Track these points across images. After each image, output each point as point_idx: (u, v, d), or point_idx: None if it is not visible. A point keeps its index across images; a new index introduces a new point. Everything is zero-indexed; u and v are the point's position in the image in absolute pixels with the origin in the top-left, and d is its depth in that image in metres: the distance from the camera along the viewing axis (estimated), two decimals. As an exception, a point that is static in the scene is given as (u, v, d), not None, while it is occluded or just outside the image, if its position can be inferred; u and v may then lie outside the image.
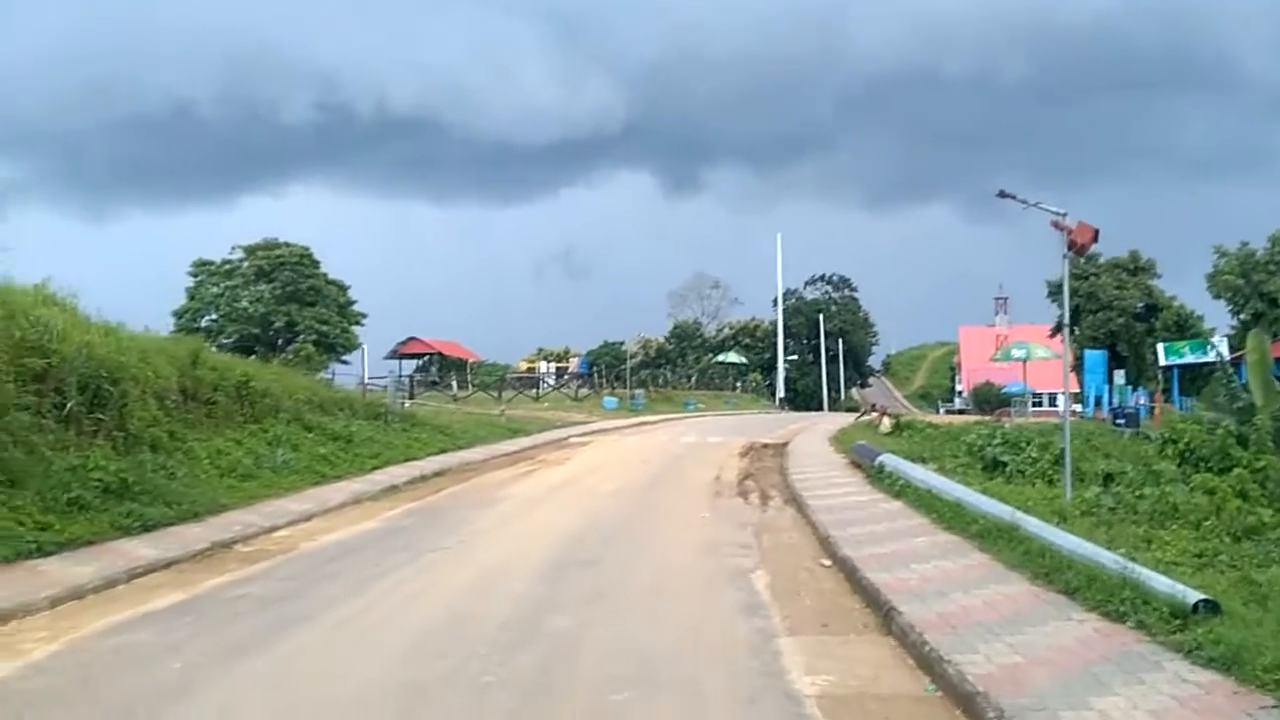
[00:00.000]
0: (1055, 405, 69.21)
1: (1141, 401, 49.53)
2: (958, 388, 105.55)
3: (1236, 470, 11.35)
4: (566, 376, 59.68)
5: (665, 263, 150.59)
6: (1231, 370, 20.96)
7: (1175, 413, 47.58)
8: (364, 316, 74.74)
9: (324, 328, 65.57)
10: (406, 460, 20.39)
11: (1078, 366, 65.84)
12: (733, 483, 17.73)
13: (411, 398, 40.93)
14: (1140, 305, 71.07)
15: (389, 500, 15.39)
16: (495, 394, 46.23)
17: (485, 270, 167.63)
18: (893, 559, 9.26)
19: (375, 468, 18.86)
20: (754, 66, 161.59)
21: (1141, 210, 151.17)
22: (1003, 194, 10.86)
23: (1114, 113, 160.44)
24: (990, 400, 62.76)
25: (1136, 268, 72.24)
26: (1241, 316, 57.15)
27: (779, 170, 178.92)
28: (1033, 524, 9.50)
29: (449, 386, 49.84)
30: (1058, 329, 71.82)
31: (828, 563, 9.85)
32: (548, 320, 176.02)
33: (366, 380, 32.02)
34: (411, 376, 47.14)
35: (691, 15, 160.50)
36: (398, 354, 61.91)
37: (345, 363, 66.90)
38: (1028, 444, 16.11)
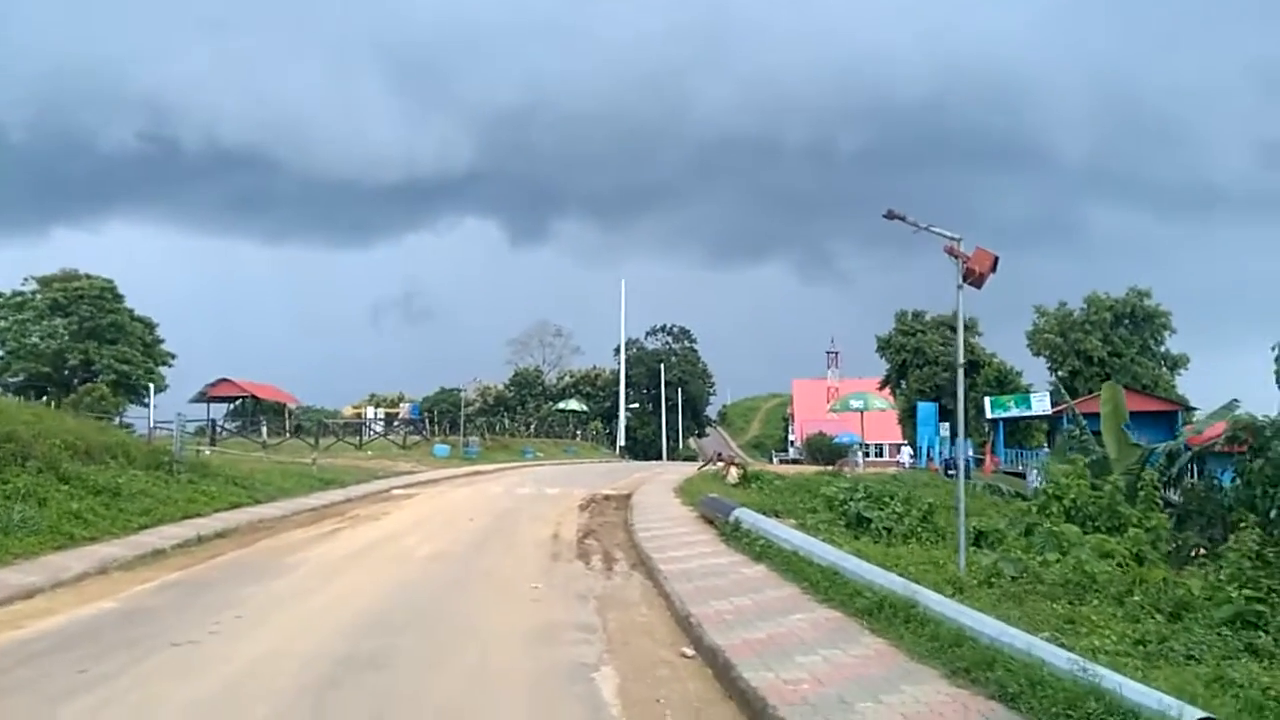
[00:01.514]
0: (883, 456, 70.85)
1: (969, 453, 50.87)
2: (791, 438, 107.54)
3: (1131, 530, 10.21)
4: (396, 423, 55.99)
5: (509, 311, 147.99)
6: (1084, 423, 20.68)
7: (1001, 464, 49.11)
8: (172, 357, 68.62)
9: (125, 367, 59.74)
10: (186, 518, 17.19)
11: (914, 417, 67.88)
12: (572, 542, 15.60)
13: (213, 444, 36.78)
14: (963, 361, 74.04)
15: (147, 569, 12.41)
16: (312, 441, 42.34)
17: (320, 315, 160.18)
18: (770, 647, 7.37)
19: (144, 527, 15.67)
20: (602, 123, 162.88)
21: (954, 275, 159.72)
22: (890, 215, 9.43)
23: (941, 184, 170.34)
24: (823, 450, 63.19)
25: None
26: (1059, 373, 59.91)
27: (624, 224, 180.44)
28: (931, 598, 7.86)
29: (259, 433, 45.47)
30: (885, 382, 73.88)
31: (690, 652, 7.85)
32: (384, 367, 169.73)
33: (153, 424, 28.03)
34: (213, 421, 42.62)
35: (541, 67, 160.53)
36: (206, 396, 56.51)
37: (146, 405, 61.22)
38: (891, 499, 14.82)
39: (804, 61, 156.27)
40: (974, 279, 9.28)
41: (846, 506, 14.79)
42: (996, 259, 9.13)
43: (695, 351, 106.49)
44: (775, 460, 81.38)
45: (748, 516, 14.43)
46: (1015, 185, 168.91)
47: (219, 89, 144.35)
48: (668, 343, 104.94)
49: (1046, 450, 53.20)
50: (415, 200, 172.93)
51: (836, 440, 67.18)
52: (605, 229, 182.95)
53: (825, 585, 9.62)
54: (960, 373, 9.78)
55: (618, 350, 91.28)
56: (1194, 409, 46.94)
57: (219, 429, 43.03)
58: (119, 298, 63.79)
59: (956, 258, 9.22)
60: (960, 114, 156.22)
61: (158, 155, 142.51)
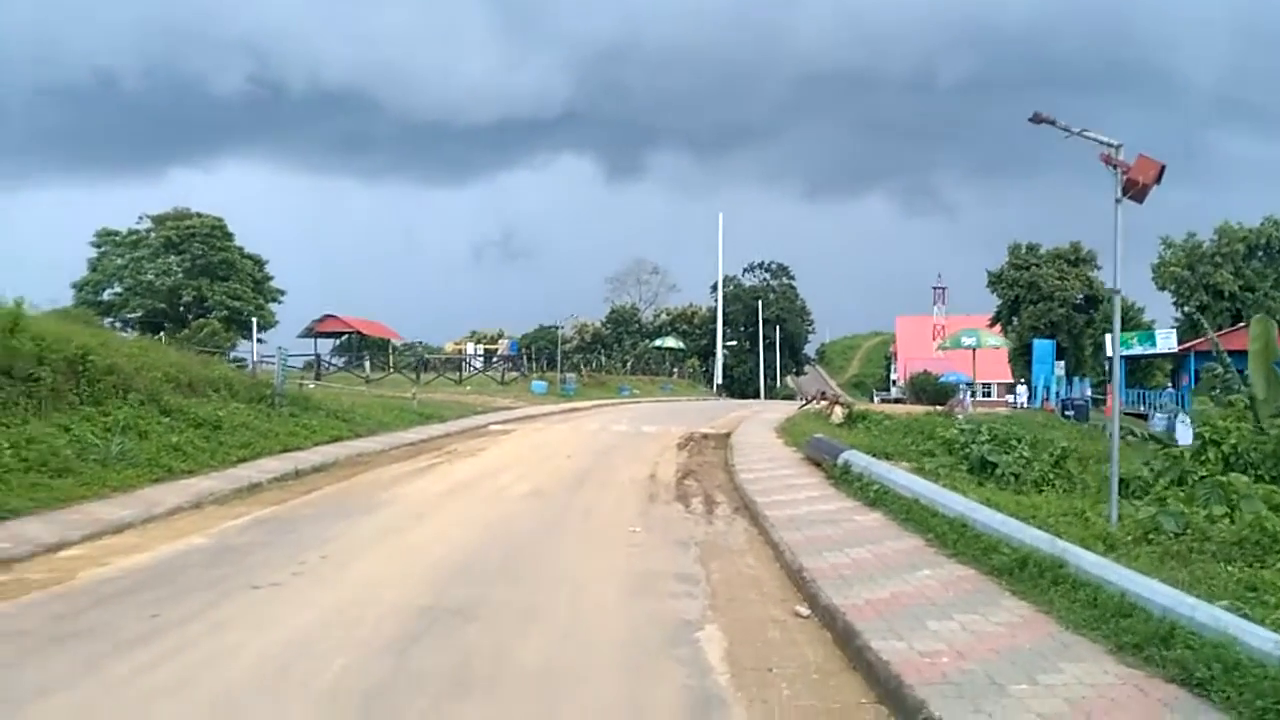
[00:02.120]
0: (991, 396, 68.16)
1: (1087, 393, 48.25)
2: (893, 376, 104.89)
3: (1307, 480, 8.94)
4: (495, 359, 56.33)
5: (605, 248, 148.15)
6: (1228, 360, 18.90)
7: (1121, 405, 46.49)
8: (282, 293, 70.36)
9: (236, 303, 61.38)
10: (285, 451, 17.20)
11: (1026, 356, 65.00)
12: (670, 482, 14.94)
13: (318, 379, 37.41)
14: (1080, 296, 70.40)
15: (241, 503, 12.25)
16: (413, 376, 42.78)
17: (420, 252, 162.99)
18: (897, 609, 6.53)
19: (242, 460, 15.69)
20: (698, 57, 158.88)
21: (1073, 204, 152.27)
22: (1037, 118, 8.22)
23: (1051, 111, 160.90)
24: (928, 389, 61.12)
25: (1078, 258, 71.45)
26: (1185, 309, 56.29)
27: (720, 158, 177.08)
28: (1084, 558, 6.86)
29: (363, 368, 46.20)
30: (996, 319, 70.85)
31: (805, 612, 7.05)
32: (483, 304, 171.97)
33: (256, 358, 28.44)
34: (318, 355, 43.37)
35: (636, 5, 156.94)
36: (313, 332, 57.76)
37: (261, 340, 63.05)
38: (1018, 441, 13.63)
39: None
40: (1135, 191, 8.02)
41: (969, 450, 13.69)
42: (1163, 168, 7.84)
43: (794, 288, 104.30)
44: (877, 400, 79.40)
45: (858, 459, 13.49)
46: (1131, 111, 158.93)
47: (322, 31, 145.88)
48: (765, 279, 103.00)
49: (1171, 390, 50.23)
50: (512, 138, 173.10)
51: (943, 379, 64.95)
52: (701, 164, 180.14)
53: (953, 538, 8.67)
54: (1117, 300, 8.58)
55: (714, 287, 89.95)
56: None
57: (324, 364, 43.81)
58: (229, 235, 65.46)
59: (1115, 167, 7.97)
60: (1068, 37, 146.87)
61: (265, 98, 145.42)
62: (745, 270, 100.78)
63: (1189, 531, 7.86)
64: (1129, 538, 7.98)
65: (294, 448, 17.70)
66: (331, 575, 8.21)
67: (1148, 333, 49.37)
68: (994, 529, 8.36)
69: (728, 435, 22.85)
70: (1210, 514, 8.34)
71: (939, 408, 37.74)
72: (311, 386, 31.23)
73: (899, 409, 36.59)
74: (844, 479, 13.24)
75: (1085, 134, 8.07)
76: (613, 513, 11.87)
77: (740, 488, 13.76)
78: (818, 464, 15.66)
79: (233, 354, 39.08)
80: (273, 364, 30.17)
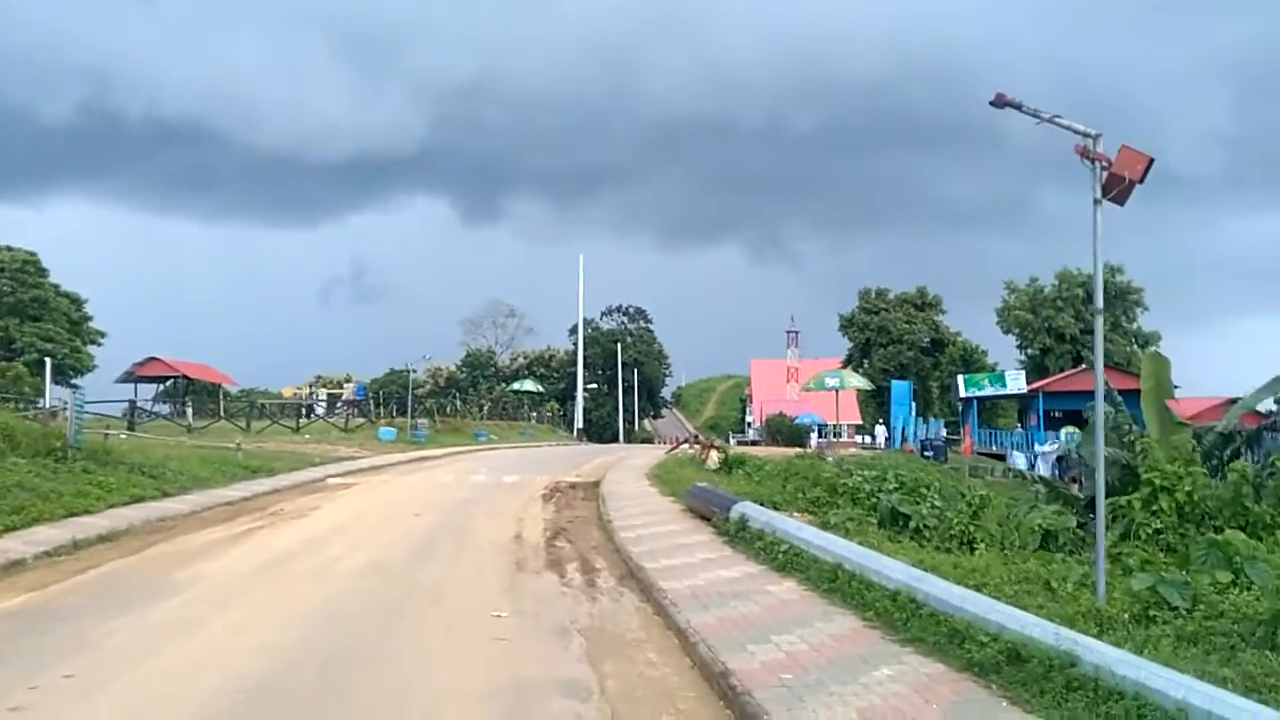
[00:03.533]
0: (841, 437, 68.77)
1: (942, 433, 48.83)
2: (749, 419, 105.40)
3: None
4: (340, 405, 52.51)
5: (460, 291, 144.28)
6: (1119, 400, 18.38)
7: (975, 446, 47.13)
8: (102, 335, 64.23)
9: (49, 345, 55.30)
10: (70, 517, 14.15)
11: (879, 397, 65.92)
12: (539, 544, 12.82)
13: (131, 428, 33.25)
14: (927, 340, 72.57)
15: (-19, 593, 9.41)
16: (242, 424, 38.89)
17: (263, 295, 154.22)
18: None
19: (9, 529, 12.72)
20: (555, 99, 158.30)
21: (915, 255, 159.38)
22: (1000, 101, 6.76)
23: (894, 166, 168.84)
24: (783, 430, 61.10)
25: (924, 303, 73.89)
26: (1029, 351, 58.32)
27: (577, 204, 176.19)
28: (1106, 652, 5.23)
29: (185, 414, 41.86)
30: (848, 361, 71.97)
31: (745, 744, 5.15)
32: (332, 350, 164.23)
33: (49, 403, 24.65)
34: (132, 402, 38.88)
35: (492, 44, 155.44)
36: (134, 376, 52.39)
37: (75, 386, 57.00)
38: (927, 489, 12.24)
39: (755, 41, 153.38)
40: (1118, 191, 6.67)
41: (875, 499, 12.21)
42: (1150, 161, 6.53)
43: (651, 332, 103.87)
44: (733, 441, 79.18)
45: (755, 512, 11.78)
46: (967, 167, 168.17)
47: (162, 60, 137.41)
48: (623, 323, 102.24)
49: (1020, 430, 51.57)
50: (364, 177, 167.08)
51: (798, 420, 65.21)
52: (558, 209, 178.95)
53: (901, 618, 6.98)
54: (1099, 320, 7.18)
55: (572, 330, 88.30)
56: (1176, 386, 44.51)
57: (141, 411, 39.33)
58: (42, 271, 59.41)
59: (1092, 162, 6.60)
60: (911, 95, 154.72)
61: (98, 129, 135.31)
62: (603, 314, 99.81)
63: (1199, 606, 6.43)
64: (1125, 615, 6.51)
65: (81, 511, 14.67)
66: (68, 710, 5.73)
67: (998, 374, 50.60)
68: (953, 606, 6.71)
69: (597, 484, 20.90)
70: (1215, 582, 7.00)
71: (802, 450, 37.04)
72: (122, 437, 27.42)
73: (759, 451, 35.54)
74: (740, 536, 11.49)
75: (1057, 121, 6.71)
76: (471, 590, 9.66)
77: (622, 549, 11.81)
78: (704, 517, 13.90)
79: (43, 402, 34.46)
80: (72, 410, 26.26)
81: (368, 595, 9.30)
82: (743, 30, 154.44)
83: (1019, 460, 40.37)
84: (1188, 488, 9.34)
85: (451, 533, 13.95)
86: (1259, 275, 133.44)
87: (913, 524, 11.29)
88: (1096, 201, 6.78)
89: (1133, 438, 16.03)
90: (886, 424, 53.27)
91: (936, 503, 11.94)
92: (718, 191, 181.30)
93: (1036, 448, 33.82)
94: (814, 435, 59.68)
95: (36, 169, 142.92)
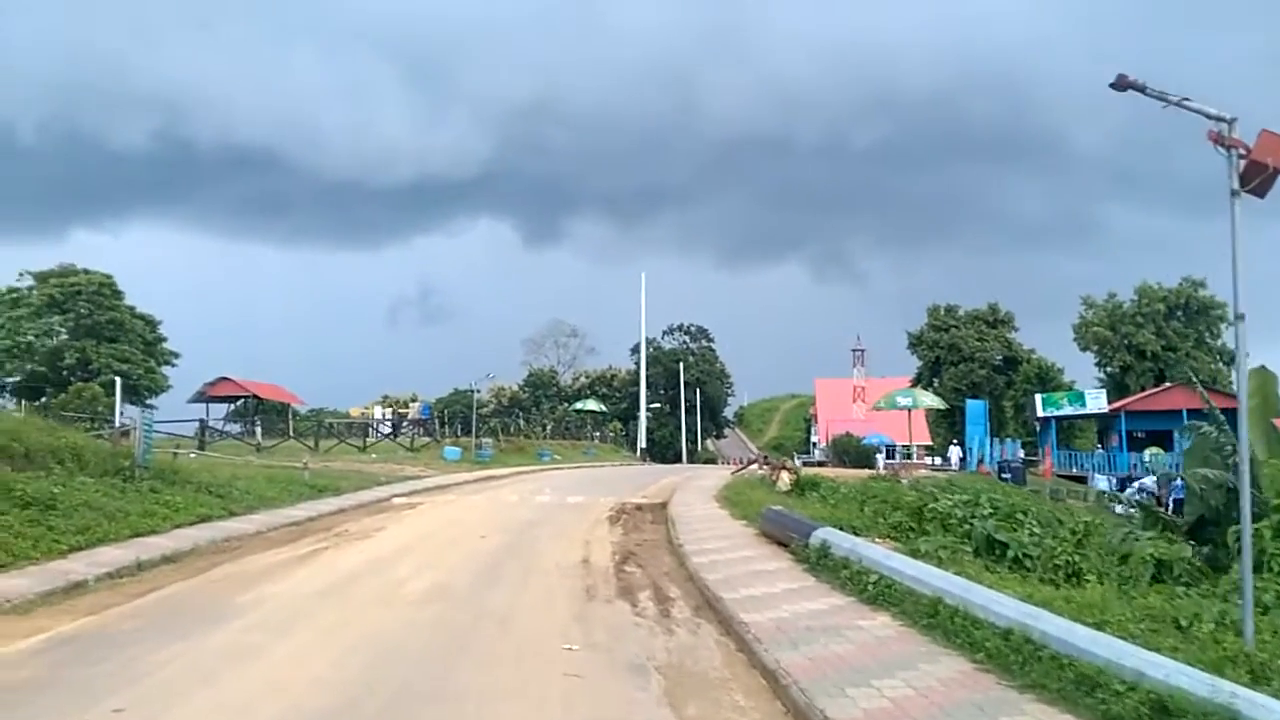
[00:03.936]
0: (910, 458, 67.11)
1: (1019, 453, 47.16)
2: (813, 438, 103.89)
3: None
4: (405, 424, 52.80)
5: (522, 311, 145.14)
6: (1222, 419, 17.29)
7: (1054, 468, 45.38)
8: (176, 356, 65.54)
9: (124, 366, 56.58)
10: (136, 537, 14.09)
11: (949, 418, 64.18)
12: (608, 569, 12.29)
13: (202, 448, 33.65)
14: (999, 358, 70.51)
15: (47, 612, 9.22)
16: (310, 443, 39.18)
17: (331, 317, 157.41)
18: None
19: (75, 549, 12.65)
20: (615, 121, 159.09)
21: (980, 273, 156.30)
22: (1123, 83, 6.11)
23: (957, 181, 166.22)
24: (850, 451, 59.85)
25: (996, 320, 71.86)
26: (1108, 369, 56.22)
27: (638, 224, 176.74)
28: (1276, 708, 4.49)
29: (254, 434, 42.39)
30: (917, 380, 70.24)
31: (858, 811, 4.53)
32: (396, 369, 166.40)
33: (119, 423, 24.94)
34: (202, 422, 39.44)
35: (552, 65, 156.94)
36: (205, 396, 53.44)
37: (149, 406, 58.28)
38: (1025, 515, 11.40)
39: (813, 56, 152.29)
40: (1260, 181, 5.94)
41: (968, 525, 11.43)
42: (1297, 148, 5.79)
43: (713, 351, 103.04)
44: (799, 462, 77.94)
45: (838, 539, 11.10)
46: (1033, 182, 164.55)
47: (233, 89, 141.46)
48: (685, 342, 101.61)
49: (1101, 450, 49.55)
50: (428, 199, 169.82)
51: (865, 441, 63.85)
52: (619, 229, 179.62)
53: (1017, 660, 6.28)
54: (1239, 326, 6.39)
55: (634, 350, 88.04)
56: None
57: (211, 431, 39.90)
58: (118, 294, 60.87)
59: (1228, 149, 5.90)
60: (972, 108, 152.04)
61: (172, 156, 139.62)
62: (665, 333, 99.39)
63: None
64: (1278, 660, 5.73)
65: (147, 531, 14.59)
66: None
67: (1077, 393, 48.78)
68: (1077, 648, 5.99)
69: (664, 505, 20.34)
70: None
71: (872, 471, 35.99)
72: (192, 456, 27.70)
73: (828, 472, 34.61)
74: (822, 564, 10.81)
75: (1186, 104, 6.03)
76: (540, 618, 9.16)
77: (696, 576, 11.21)
78: (781, 543, 13.23)
79: (116, 422, 35.11)
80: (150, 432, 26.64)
81: (433, 622, 8.85)
82: (800, 46, 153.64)
83: (1100, 483, 38.75)
84: (1330, 518, 8.45)
85: (518, 555, 13.49)
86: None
87: (1011, 553, 10.50)
88: (1234, 193, 6.05)
89: (1237, 459, 14.98)
90: (960, 444, 51.72)
91: (1035, 530, 11.13)
92: (778, 209, 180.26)
93: (1148, 480, 32.18)
94: (881, 456, 58.35)
95: (114, 196, 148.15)
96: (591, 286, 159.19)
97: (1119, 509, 23.19)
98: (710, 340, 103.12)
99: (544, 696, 6.46)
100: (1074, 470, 45.54)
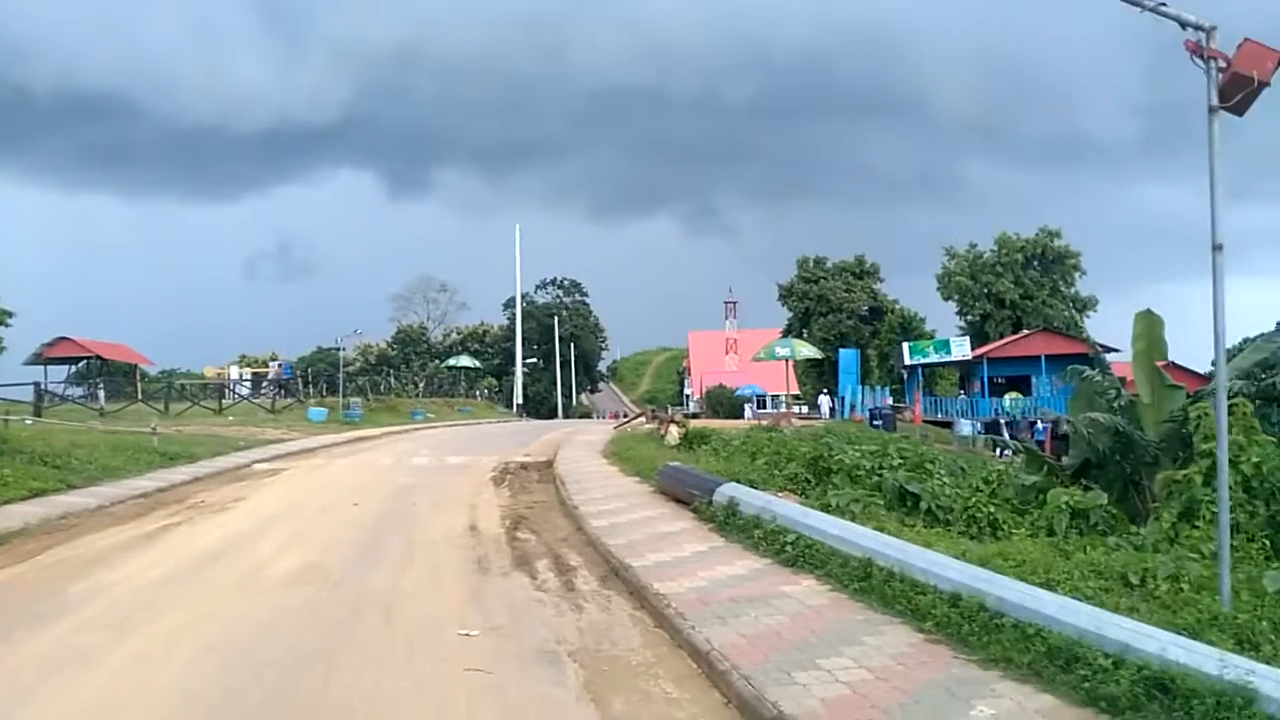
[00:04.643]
0: (778, 408, 68.36)
1: (888, 401, 48.26)
2: (687, 391, 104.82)
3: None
4: (265, 385, 49.84)
5: (389, 266, 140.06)
6: (1107, 362, 17.54)
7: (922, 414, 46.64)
8: (9, 315, 60.02)
9: (-56, 326, 51.31)
10: (-52, 517, 12.33)
11: (818, 367, 65.38)
12: (500, 537, 11.32)
13: (38, 413, 30.62)
14: (866, 308, 72.30)
15: None
16: (160, 406, 36.35)
17: (184, 272, 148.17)
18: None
19: None
20: (484, 68, 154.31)
21: (846, 226, 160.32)
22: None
23: (825, 135, 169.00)
24: (724, 402, 60.42)
25: (862, 271, 73.52)
26: (969, 317, 58.12)
27: (508, 176, 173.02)
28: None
29: (97, 397, 39.08)
30: (787, 331, 71.21)
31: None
32: (255, 327, 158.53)
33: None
34: (37, 384, 35.95)
35: (419, 12, 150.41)
36: (42, 358, 48.98)
37: (-28, 371, 53.26)
38: (932, 464, 11.03)
39: (688, 9, 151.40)
40: (1241, 96, 5.41)
41: (877, 477, 10.97)
42: (1281, 58, 5.27)
43: (586, 305, 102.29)
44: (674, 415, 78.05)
45: (748, 496, 10.45)
46: (897, 138, 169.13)
47: (71, 27, 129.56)
48: (558, 296, 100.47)
49: (963, 396, 51.29)
50: (288, 148, 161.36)
51: (738, 392, 64.54)
52: (488, 181, 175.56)
53: (972, 631, 5.71)
54: (1219, 258, 5.81)
55: (506, 305, 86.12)
56: (1114, 350, 44.54)
57: (48, 395, 36.46)
58: (-63, 247, 55.27)
59: (1206, 61, 5.33)
60: (841, 66, 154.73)
61: (6, 100, 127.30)
62: (537, 287, 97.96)
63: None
64: (1262, 623, 5.32)
65: (-36, 510, 12.78)
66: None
67: (943, 341, 50.08)
68: (1045, 615, 5.44)
69: (550, 464, 19.45)
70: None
71: (753, 421, 36.02)
72: (28, 423, 25.05)
73: (708, 423, 34.41)
74: (731, 523, 10.16)
75: (1162, 10, 5.41)
76: (429, 599, 8.14)
77: (596, 541, 10.38)
78: (680, 500, 12.55)
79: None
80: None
81: (304, 612, 7.71)
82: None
83: (965, 428, 39.94)
84: (1255, 458, 8.26)
85: (397, 525, 12.35)
86: (1176, 242, 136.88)
87: (924, 505, 10.10)
88: (1212, 110, 5.50)
89: (1121, 402, 15.14)
90: (830, 393, 52.61)
91: (945, 480, 10.78)
92: (650, 162, 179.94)
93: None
94: (751, 406, 58.91)
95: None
96: (461, 240, 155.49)
97: (1005, 454, 23.64)
98: (584, 294, 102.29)
99: (445, 699, 5.50)
100: (939, 416, 46.91)
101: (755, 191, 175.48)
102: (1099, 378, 16.01)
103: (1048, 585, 6.26)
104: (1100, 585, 6.36)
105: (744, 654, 5.72)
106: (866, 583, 7.08)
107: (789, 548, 8.54)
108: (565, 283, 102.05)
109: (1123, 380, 16.32)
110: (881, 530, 8.60)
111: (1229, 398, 7.35)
